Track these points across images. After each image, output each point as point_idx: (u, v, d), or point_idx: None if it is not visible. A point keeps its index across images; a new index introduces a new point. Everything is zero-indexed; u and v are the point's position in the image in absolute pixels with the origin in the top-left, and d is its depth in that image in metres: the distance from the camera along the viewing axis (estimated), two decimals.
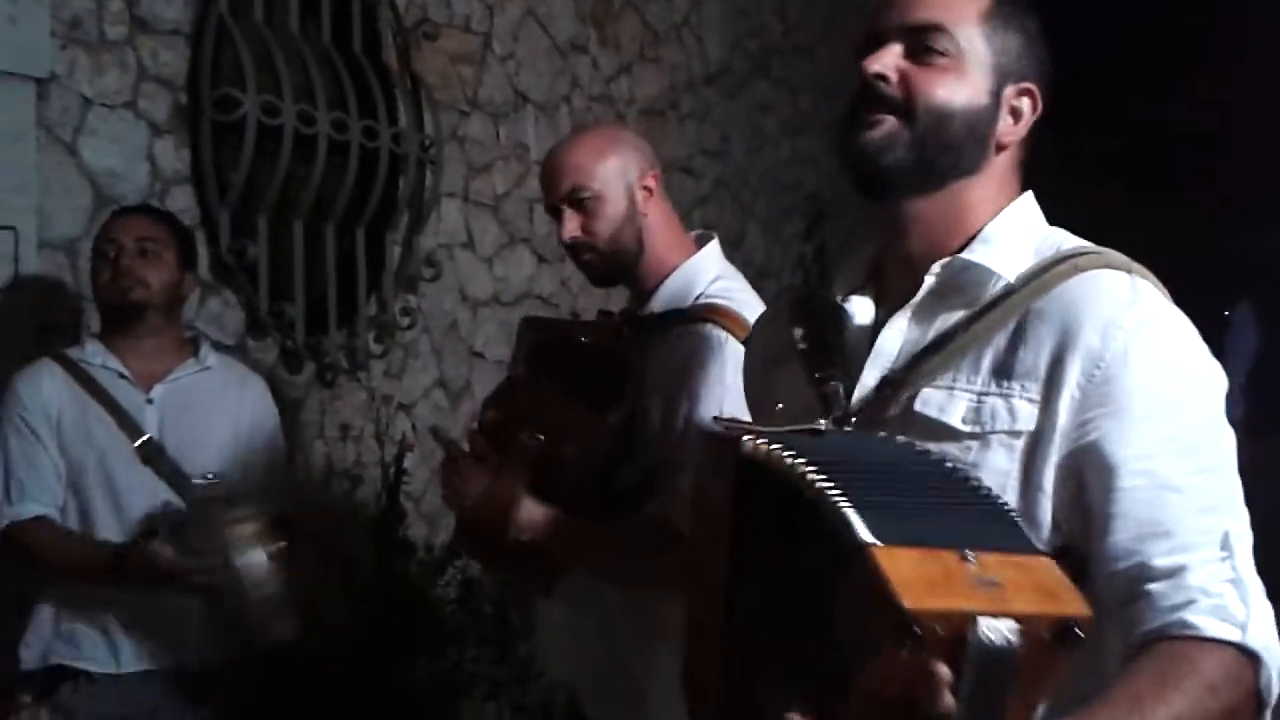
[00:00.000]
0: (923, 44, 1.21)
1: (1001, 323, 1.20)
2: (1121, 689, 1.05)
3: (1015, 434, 1.17)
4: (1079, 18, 5.10)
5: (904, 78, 1.21)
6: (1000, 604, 0.93)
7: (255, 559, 2.15)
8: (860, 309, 1.30)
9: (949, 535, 0.98)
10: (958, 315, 1.22)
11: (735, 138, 5.34)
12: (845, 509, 0.98)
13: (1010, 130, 1.25)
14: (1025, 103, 1.25)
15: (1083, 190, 5.31)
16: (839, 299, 1.32)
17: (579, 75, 4.59)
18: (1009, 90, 1.23)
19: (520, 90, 4.28)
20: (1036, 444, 1.16)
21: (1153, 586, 1.10)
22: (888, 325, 1.26)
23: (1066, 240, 1.26)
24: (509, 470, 1.81)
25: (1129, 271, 1.20)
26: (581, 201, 1.88)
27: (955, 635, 0.91)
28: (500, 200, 4.11)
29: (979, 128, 1.22)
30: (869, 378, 1.25)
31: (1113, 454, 1.13)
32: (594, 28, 4.57)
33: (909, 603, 0.90)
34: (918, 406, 1.21)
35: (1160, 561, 1.10)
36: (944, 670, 0.90)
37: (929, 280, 1.23)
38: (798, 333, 1.33)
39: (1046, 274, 1.20)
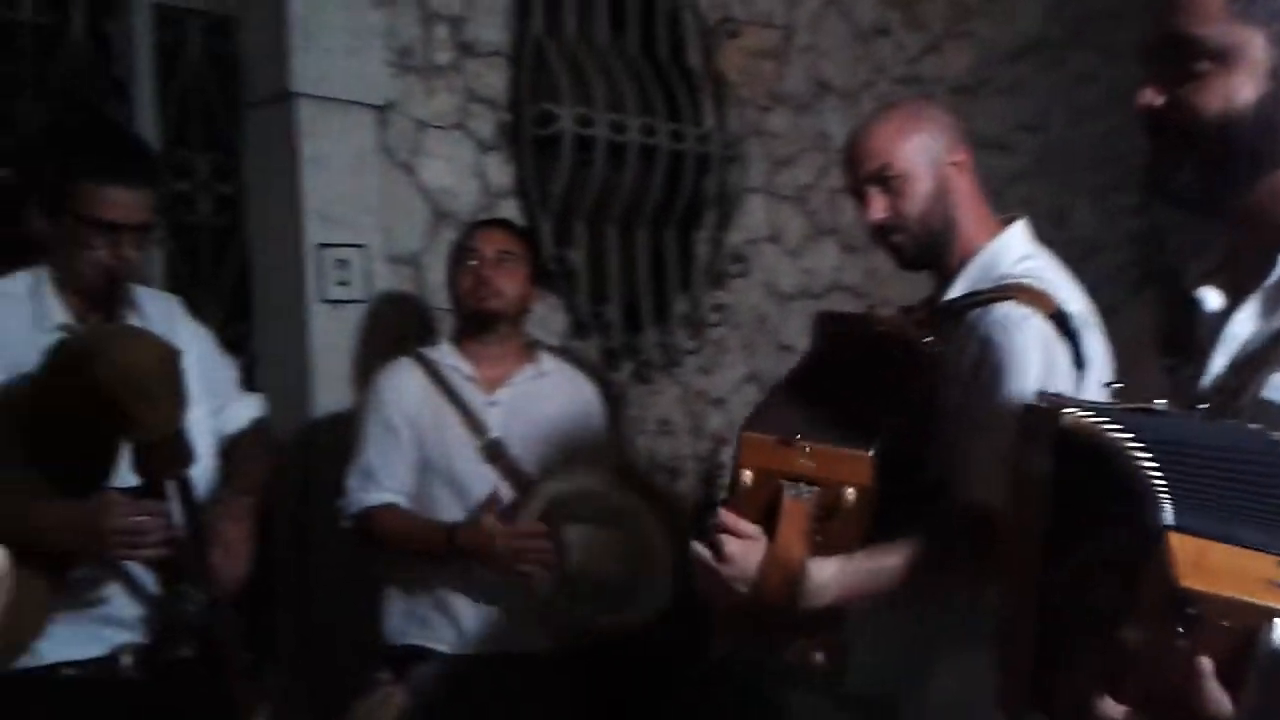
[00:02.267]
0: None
1: None
2: None
3: None
4: None
5: (1172, 101, 1.20)
6: None
7: (585, 541, 2.21)
8: (1211, 296, 1.26)
9: (1267, 537, 0.92)
10: None
11: (1054, 110, 5.06)
12: (1157, 487, 0.94)
13: None
14: None
15: None
16: (1190, 285, 1.27)
17: (882, 59, 4.50)
18: None
19: (822, 80, 4.25)
20: None
21: None
22: (1238, 311, 1.22)
23: None
24: (786, 535, 1.58)
25: None
26: (888, 181, 1.82)
27: (1244, 630, 0.86)
28: (804, 192, 4.09)
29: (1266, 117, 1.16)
30: (1218, 364, 1.21)
31: None
32: (898, 9, 4.47)
33: (1187, 581, 0.87)
34: (1266, 393, 1.15)
35: None
36: (1206, 663, 0.86)
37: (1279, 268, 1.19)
38: (1147, 319, 1.28)
39: None
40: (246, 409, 2.26)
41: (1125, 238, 5.38)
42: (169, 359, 1.82)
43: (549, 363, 2.55)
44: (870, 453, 1.58)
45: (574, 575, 2.22)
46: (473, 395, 2.42)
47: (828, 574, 1.59)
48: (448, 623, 2.35)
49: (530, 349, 2.57)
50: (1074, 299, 1.80)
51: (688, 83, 3.66)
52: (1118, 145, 5.39)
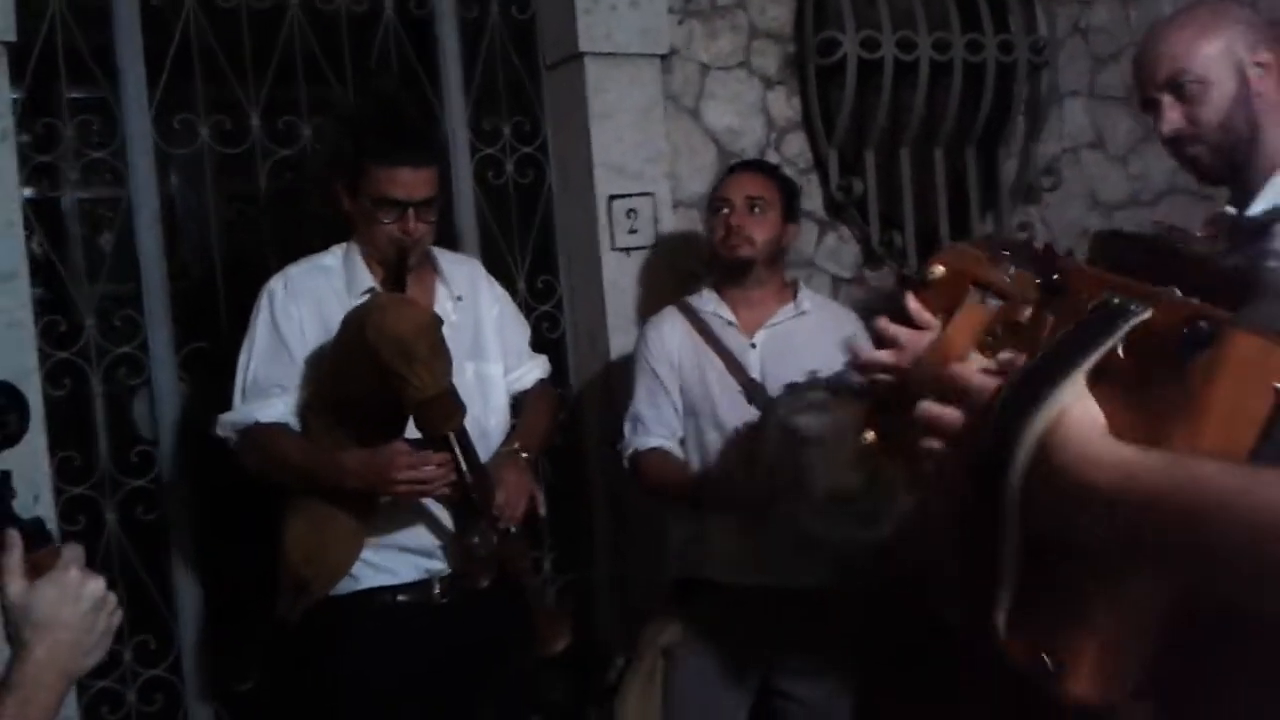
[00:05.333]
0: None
1: None
2: None
3: None
4: None
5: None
6: None
7: (825, 462, 2.19)
8: None
9: None
10: None
11: None
12: None
13: None
14: None
15: None
16: None
17: None
18: None
19: None
20: None
21: None
22: None
23: None
24: (956, 327, 1.34)
25: None
26: (1182, 88, 1.70)
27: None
28: (1133, 91, 3.77)
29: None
30: None
31: None
32: None
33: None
34: None
35: None
36: None
37: None
38: None
39: None
40: (534, 369, 2.46)
41: None
42: (429, 325, 2.02)
43: (809, 301, 2.57)
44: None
45: (818, 497, 2.22)
46: (734, 339, 2.50)
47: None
48: (719, 556, 2.45)
49: (791, 287, 2.60)
50: None
51: None
52: None
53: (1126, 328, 0.93)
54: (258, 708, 2.72)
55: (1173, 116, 1.73)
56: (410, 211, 2.19)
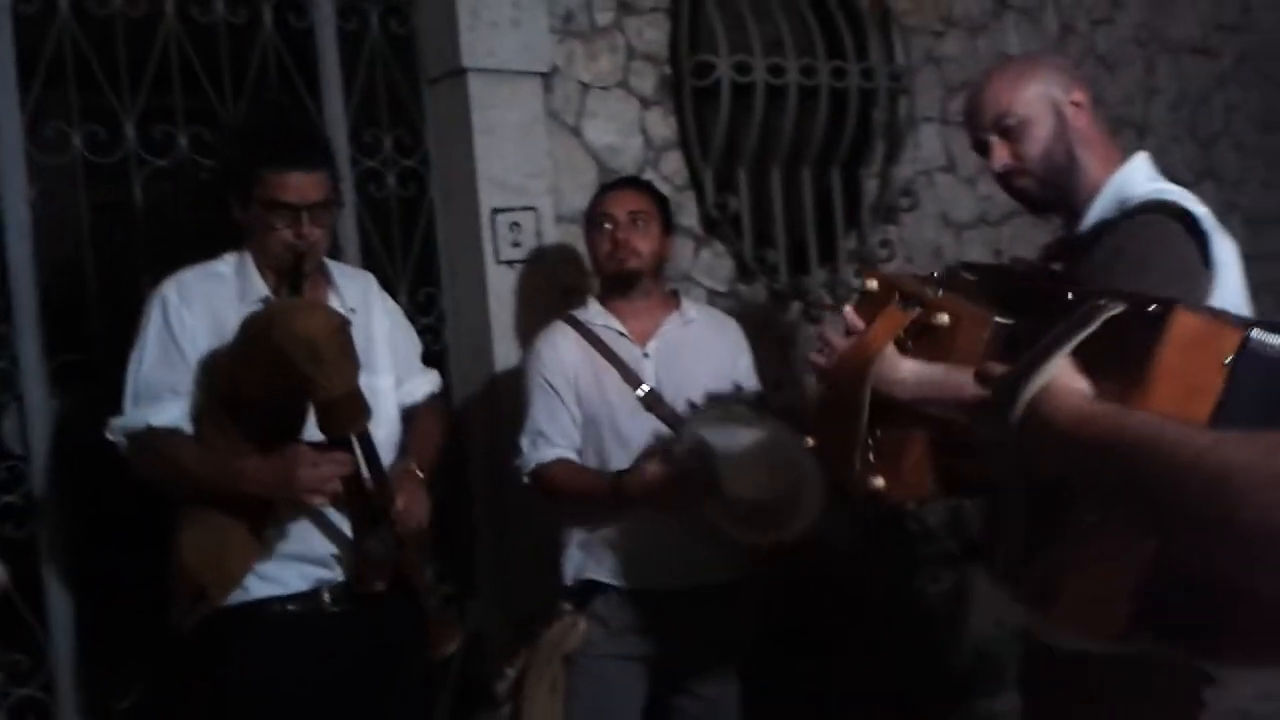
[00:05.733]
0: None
1: None
2: None
3: None
4: None
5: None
6: None
7: (736, 469, 2.29)
8: None
9: None
10: None
11: (1258, 6, 4.74)
12: None
13: None
14: None
15: None
16: None
17: None
18: None
19: None
20: None
21: None
22: None
23: None
24: (876, 329, 1.63)
25: None
26: (1008, 129, 1.87)
27: None
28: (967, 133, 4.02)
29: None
30: None
31: None
32: None
33: None
34: None
35: None
36: None
37: None
38: None
39: None
40: (425, 384, 2.49)
41: None
42: (339, 327, 2.04)
43: (693, 310, 2.68)
44: (994, 316, 1.56)
45: (730, 502, 2.32)
46: (627, 350, 2.57)
47: (905, 369, 1.60)
48: (620, 560, 2.53)
49: (673, 297, 2.70)
50: (1202, 208, 1.80)
51: (850, 18, 3.66)
52: None
53: (1102, 318, 1.16)
54: None
55: (1001, 154, 1.89)
56: (304, 215, 2.21)
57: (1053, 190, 1.90)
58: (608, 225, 2.59)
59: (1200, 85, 4.71)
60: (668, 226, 2.68)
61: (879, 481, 1.63)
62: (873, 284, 1.72)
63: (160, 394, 2.17)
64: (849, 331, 1.71)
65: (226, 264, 2.30)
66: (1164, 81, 4.64)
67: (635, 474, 2.43)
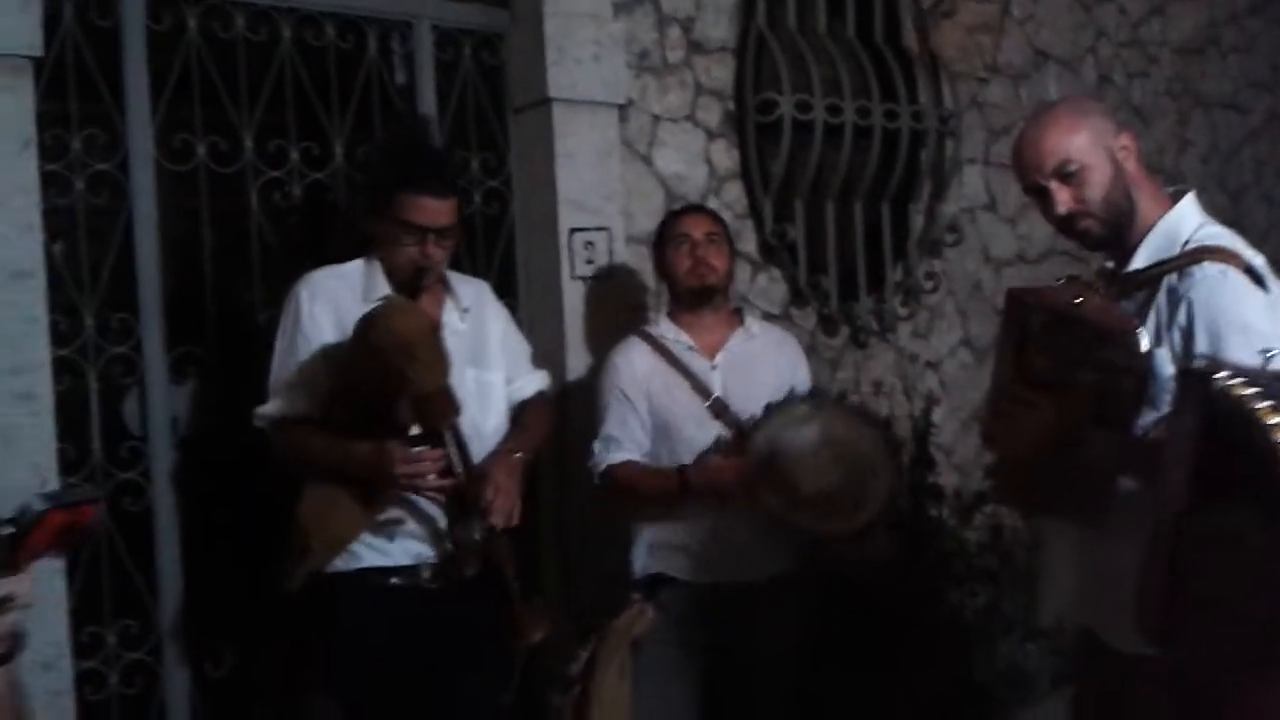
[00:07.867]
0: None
1: None
2: None
3: None
4: None
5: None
6: None
7: (804, 464, 2.52)
8: None
9: None
10: None
11: None
12: None
13: None
14: None
15: None
16: None
17: (1104, 24, 4.58)
18: None
19: (1040, 49, 4.38)
20: None
21: None
22: None
23: None
24: (1070, 405, 1.80)
25: None
26: (1069, 175, 1.98)
27: None
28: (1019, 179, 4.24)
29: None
30: None
31: None
32: None
33: None
34: None
35: None
36: None
37: None
38: None
39: None
40: (533, 382, 2.70)
41: None
42: (430, 329, 2.26)
43: (755, 326, 2.91)
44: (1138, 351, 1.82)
45: (804, 496, 2.53)
46: (697, 362, 2.80)
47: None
48: (685, 556, 2.74)
49: (737, 314, 2.93)
50: (1254, 255, 1.97)
51: (903, 63, 3.91)
52: None
53: None
54: (232, 691, 2.88)
55: (1063, 198, 2.00)
56: (430, 237, 2.42)
57: (1113, 230, 2.03)
58: (686, 245, 2.81)
59: (1231, 139, 4.93)
60: (732, 249, 2.91)
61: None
62: (1042, 360, 1.89)
63: (294, 385, 2.40)
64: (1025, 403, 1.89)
65: (354, 266, 2.52)
66: (1196, 134, 4.87)
67: (701, 466, 2.65)
